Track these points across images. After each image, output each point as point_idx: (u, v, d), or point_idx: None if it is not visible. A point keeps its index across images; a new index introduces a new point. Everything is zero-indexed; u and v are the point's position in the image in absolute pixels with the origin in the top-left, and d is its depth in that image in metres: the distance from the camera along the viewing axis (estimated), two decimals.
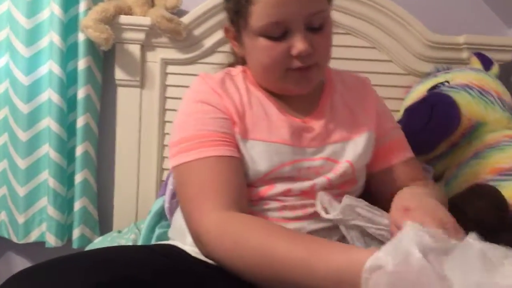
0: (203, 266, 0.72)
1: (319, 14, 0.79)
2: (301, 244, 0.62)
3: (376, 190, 0.94)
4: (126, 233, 1.31)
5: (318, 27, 0.80)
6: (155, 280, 0.62)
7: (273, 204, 0.80)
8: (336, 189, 0.84)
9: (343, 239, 0.83)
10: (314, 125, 0.86)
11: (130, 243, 1.21)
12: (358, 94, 0.94)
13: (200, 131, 0.80)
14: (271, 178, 0.81)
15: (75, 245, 1.47)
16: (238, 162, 0.80)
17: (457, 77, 1.26)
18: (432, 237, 0.49)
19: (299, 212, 0.80)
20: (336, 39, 1.45)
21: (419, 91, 1.32)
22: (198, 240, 0.73)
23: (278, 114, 0.85)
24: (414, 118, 1.17)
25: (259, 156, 0.80)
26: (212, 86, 0.85)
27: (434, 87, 1.27)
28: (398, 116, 1.33)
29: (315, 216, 0.80)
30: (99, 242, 1.31)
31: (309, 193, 0.81)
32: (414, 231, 0.50)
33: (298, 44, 0.77)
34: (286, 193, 0.81)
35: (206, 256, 0.72)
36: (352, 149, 0.86)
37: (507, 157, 1.05)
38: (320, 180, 0.82)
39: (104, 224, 1.56)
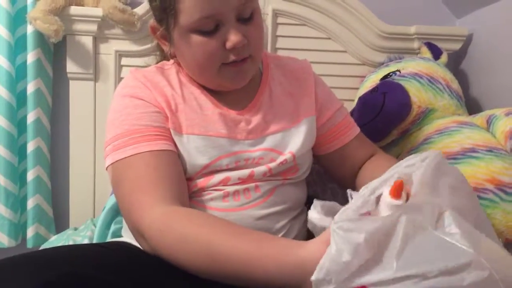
0: (156, 261, 0.71)
1: (249, 4, 0.77)
2: (247, 240, 0.62)
3: (331, 169, 0.97)
4: (82, 230, 1.28)
5: (248, 17, 0.78)
6: (105, 276, 0.61)
7: (215, 193, 0.80)
8: (278, 176, 0.85)
9: (292, 220, 0.85)
10: (251, 116, 0.86)
11: (86, 240, 1.18)
12: (297, 80, 0.94)
13: (133, 126, 0.78)
14: (209, 170, 0.81)
15: (29, 245, 1.42)
16: (175, 156, 0.79)
17: (408, 66, 1.29)
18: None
19: (243, 199, 0.81)
20: (292, 30, 1.51)
21: (372, 80, 1.35)
22: (140, 236, 0.72)
23: (213, 108, 0.84)
24: (367, 106, 1.20)
25: (196, 150, 0.80)
26: (141, 81, 0.82)
27: (386, 76, 1.30)
28: (353, 105, 1.35)
29: (261, 202, 0.81)
30: (55, 240, 1.27)
31: (247, 181, 0.82)
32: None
33: (232, 37, 0.76)
34: (225, 182, 0.81)
35: (150, 251, 0.71)
36: (294, 139, 0.87)
37: (454, 141, 1.09)
38: (260, 168, 0.82)
39: (60, 222, 1.51)
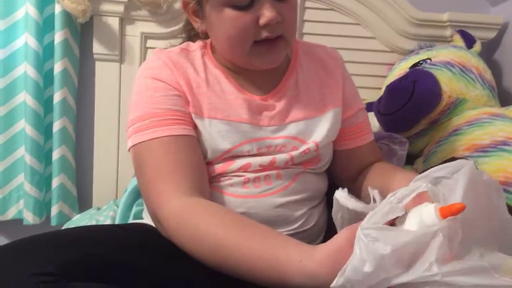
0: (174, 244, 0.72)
1: None
2: (259, 247, 0.62)
3: (338, 166, 0.94)
4: (105, 210, 1.30)
5: None
6: (124, 257, 0.62)
7: (235, 179, 0.79)
8: (300, 165, 0.84)
9: (311, 209, 0.84)
10: (275, 102, 0.84)
11: (108, 220, 1.20)
12: (326, 69, 0.91)
13: (153, 109, 0.77)
14: (231, 155, 0.80)
15: (53, 223, 1.45)
16: (195, 141, 0.78)
17: (439, 54, 1.25)
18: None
19: (264, 186, 0.80)
20: (319, 15, 1.48)
21: (401, 68, 1.31)
22: (158, 224, 0.73)
23: (236, 92, 0.82)
24: (396, 95, 1.17)
25: (218, 135, 0.79)
26: (165, 61, 0.81)
27: (416, 64, 1.27)
28: (380, 93, 1.32)
29: (282, 189, 0.80)
30: (78, 219, 1.29)
31: (268, 168, 0.80)
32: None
33: (267, 12, 0.73)
34: (246, 168, 0.80)
35: (167, 237, 0.72)
36: (318, 129, 0.85)
37: (485, 133, 1.05)
38: (282, 156, 0.81)
39: (83, 201, 1.54)
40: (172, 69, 0.80)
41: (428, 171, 0.56)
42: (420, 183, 0.55)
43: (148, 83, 0.80)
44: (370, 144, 0.94)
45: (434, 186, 0.54)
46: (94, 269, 0.58)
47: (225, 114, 0.80)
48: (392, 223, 0.54)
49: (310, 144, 0.83)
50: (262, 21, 0.74)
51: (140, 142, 0.75)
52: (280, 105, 0.84)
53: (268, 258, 0.60)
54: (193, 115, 0.79)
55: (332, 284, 0.51)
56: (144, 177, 0.75)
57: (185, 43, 0.89)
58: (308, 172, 0.85)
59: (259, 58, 0.79)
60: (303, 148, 0.83)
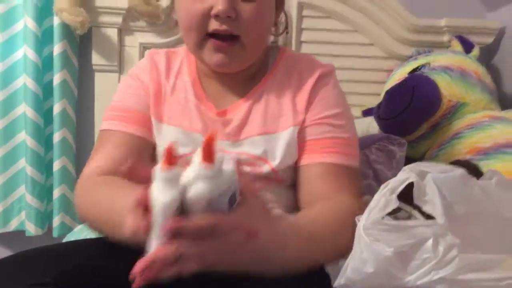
0: None
1: None
2: (115, 194, 0.68)
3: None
4: None
5: None
6: (117, 266, 0.62)
7: None
8: (260, 181, 0.75)
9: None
10: (233, 117, 0.80)
11: None
12: (300, 83, 0.81)
13: (118, 103, 0.84)
14: (185, 162, 0.78)
15: (55, 233, 1.44)
16: (142, 143, 0.81)
17: (438, 59, 1.26)
18: None
19: None
20: (318, 23, 1.49)
21: (400, 74, 1.32)
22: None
23: (195, 102, 0.82)
24: (395, 100, 1.17)
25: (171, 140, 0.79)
26: (145, 65, 0.86)
27: (415, 70, 1.27)
28: (379, 99, 1.33)
29: None
30: (80, 229, 1.28)
31: None
32: None
33: (219, 4, 0.70)
34: None
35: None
36: (275, 149, 0.78)
37: (486, 136, 1.05)
38: None
39: None
40: (149, 74, 0.84)
41: (417, 163, 0.59)
42: (408, 174, 0.57)
43: (127, 79, 0.87)
44: (326, 168, 0.76)
45: (420, 180, 0.56)
46: (85, 277, 0.62)
47: (179, 121, 0.82)
48: None
49: (265, 167, 0.78)
50: (213, 11, 0.72)
51: (101, 129, 0.84)
52: (237, 120, 0.80)
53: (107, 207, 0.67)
54: (153, 120, 0.82)
55: (335, 284, 0.52)
56: (89, 157, 0.82)
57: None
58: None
59: (208, 56, 0.76)
60: (260, 167, 0.78)
